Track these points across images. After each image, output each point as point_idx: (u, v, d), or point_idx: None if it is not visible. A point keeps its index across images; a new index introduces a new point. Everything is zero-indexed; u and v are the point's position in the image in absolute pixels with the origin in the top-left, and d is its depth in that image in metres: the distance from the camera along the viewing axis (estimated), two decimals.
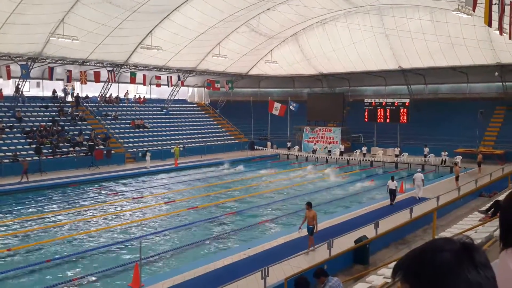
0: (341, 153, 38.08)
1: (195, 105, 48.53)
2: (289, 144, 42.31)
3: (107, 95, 40.10)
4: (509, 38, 19.19)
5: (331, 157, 37.68)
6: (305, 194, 23.66)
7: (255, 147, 41.24)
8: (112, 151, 33.14)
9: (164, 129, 40.66)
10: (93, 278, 11.80)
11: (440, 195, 18.53)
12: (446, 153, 32.73)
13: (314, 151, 40.57)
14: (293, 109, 44.95)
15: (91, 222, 17.79)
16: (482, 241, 8.89)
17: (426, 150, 34.60)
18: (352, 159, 36.37)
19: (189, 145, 39.43)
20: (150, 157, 32.12)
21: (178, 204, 21.10)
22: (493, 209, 11.84)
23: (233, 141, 43.98)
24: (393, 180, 20.10)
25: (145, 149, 35.02)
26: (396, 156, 35.41)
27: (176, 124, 42.62)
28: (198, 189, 25.52)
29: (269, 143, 44.77)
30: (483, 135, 36.40)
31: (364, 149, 37.50)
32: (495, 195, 18.59)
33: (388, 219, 15.27)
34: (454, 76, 41.62)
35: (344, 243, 12.86)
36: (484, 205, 16.95)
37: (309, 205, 13.46)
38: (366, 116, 40.35)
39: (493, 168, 27.65)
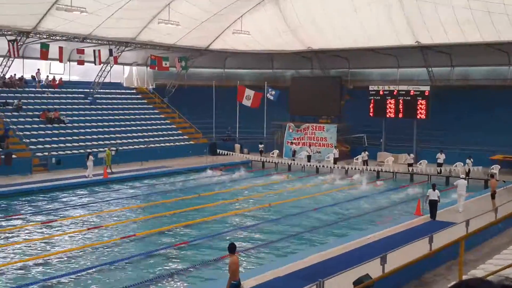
0: (335, 160, 38.29)
1: (134, 90, 48.16)
2: (261, 147, 42.29)
3: (7, 76, 39.19)
4: None
5: (322, 166, 37.82)
6: (284, 216, 23.74)
7: (218, 151, 41.05)
8: (14, 155, 32.48)
9: (88, 124, 40.18)
10: None
11: (469, 218, 18.75)
12: (472, 160, 33.35)
13: (294, 153, 40.61)
14: (272, 98, 44.95)
15: None
16: None
17: (442, 156, 35.11)
18: (351, 168, 36.59)
19: (124, 147, 38.99)
20: (93, 162, 32.12)
21: (106, 231, 20.98)
22: None
23: (187, 143, 43.80)
24: (434, 189, 21.93)
25: (88, 150, 35.00)
26: (410, 165, 35.82)
27: (106, 117, 42.17)
28: (136, 210, 25.37)
29: (237, 146, 44.64)
30: None
31: (365, 154, 37.74)
32: None
33: (400, 251, 15.31)
34: (491, 55, 42.47)
35: (341, 285, 12.78)
36: None
37: (231, 249, 12.21)
38: (372, 110, 40.75)
39: None
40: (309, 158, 39.64)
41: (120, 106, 44.58)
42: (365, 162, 37.56)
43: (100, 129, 40.34)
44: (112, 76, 45.78)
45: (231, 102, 45.83)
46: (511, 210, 20.98)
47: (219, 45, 47.41)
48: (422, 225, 21.20)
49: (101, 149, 36.41)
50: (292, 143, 42.52)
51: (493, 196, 24.46)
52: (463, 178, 24.80)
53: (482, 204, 24.69)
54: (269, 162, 39.58)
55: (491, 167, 33.07)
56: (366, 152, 37.95)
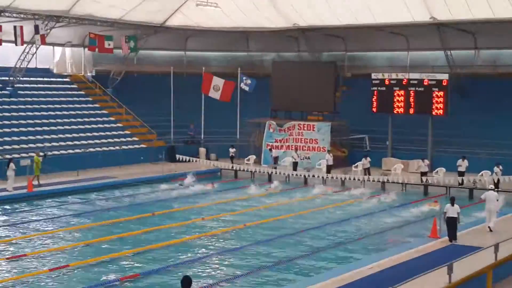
0: (329, 168, 38.39)
1: (67, 79, 47.75)
2: (232, 151, 42.21)
3: None
4: None
5: (312, 175, 37.84)
6: (262, 241, 23.73)
7: (178, 156, 40.87)
8: None
9: (7, 122, 39.84)
10: None
11: (499, 242, 18.86)
12: (501, 167, 33.71)
13: (275, 160, 40.80)
14: (247, 89, 44.92)
15: None
16: None
17: (464, 163, 35.41)
18: (349, 178, 36.67)
19: (55, 152, 38.64)
20: (15, 172, 31.81)
21: (31, 262, 20.63)
22: None
23: (137, 146, 43.64)
24: (453, 204, 22.19)
25: (6, 156, 34.55)
26: (424, 174, 36.01)
27: (30, 113, 41.80)
28: (70, 233, 25.04)
29: (202, 150, 44.49)
30: None
31: (366, 161, 37.87)
32: None
33: (410, 285, 15.37)
34: None
35: None
36: None
37: (185, 284, 11.39)
38: (375, 104, 40.95)
39: None
40: (295, 165, 39.64)
41: (49, 99, 44.11)
42: (366, 171, 37.70)
43: (23, 129, 39.89)
44: (39, 60, 45.40)
45: (194, 94, 45.63)
46: None
47: (178, 21, 47.18)
48: (438, 250, 21.26)
49: (24, 155, 35.93)
50: (273, 146, 42.49)
51: None
52: (492, 190, 25.12)
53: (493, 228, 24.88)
54: (243, 170, 39.49)
55: None
56: (368, 158, 38.16)
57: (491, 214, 23.95)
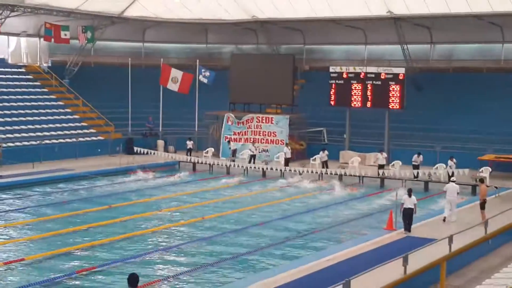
0: (287, 161, 38.48)
1: (23, 69, 47.09)
2: (189, 144, 42.01)
3: None
4: None
5: (270, 168, 37.89)
6: (220, 234, 23.76)
7: (136, 149, 40.59)
8: None
9: None
10: None
11: (453, 234, 19.15)
12: (455, 161, 34.20)
13: (233, 153, 40.85)
14: (206, 81, 44.77)
15: None
16: None
17: (419, 159, 35.84)
18: (307, 171, 36.84)
19: (10, 144, 38.15)
20: None
21: None
22: None
23: (94, 138, 43.21)
24: (410, 195, 22.56)
25: None
26: (381, 167, 36.33)
27: None
28: (26, 226, 24.77)
29: (160, 142, 44.27)
30: None
31: (324, 154, 38.04)
32: None
33: (367, 276, 15.47)
34: (480, 30, 43.67)
35: None
36: None
37: (132, 282, 11.22)
38: (333, 97, 41.14)
39: None
40: (252, 158, 39.65)
41: (3, 90, 43.39)
42: (324, 164, 37.90)
43: None
44: None
45: (152, 85, 45.33)
46: (504, 223, 21.62)
47: (136, 12, 46.76)
48: (394, 242, 21.50)
49: None
50: (231, 139, 42.41)
51: (482, 205, 25.01)
52: (453, 182, 25.76)
53: (469, 216, 25.23)
54: (202, 163, 39.42)
55: (480, 170, 33.96)
56: (326, 152, 38.31)
57: (451, 205, 24.53)
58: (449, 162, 34.08)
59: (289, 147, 39.60)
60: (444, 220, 24.32)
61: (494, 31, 43.78)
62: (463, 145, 38.17)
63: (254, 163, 38.98)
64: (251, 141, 41.53)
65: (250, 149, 40.25)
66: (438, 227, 23.47)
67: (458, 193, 24.98)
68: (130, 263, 19.76)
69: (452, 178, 27.78)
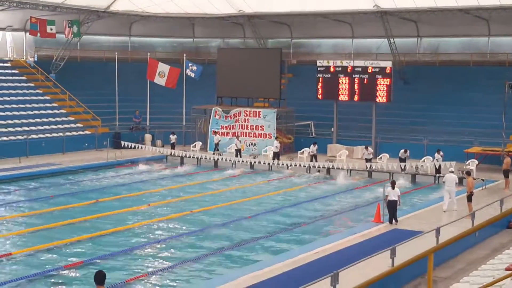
0: (276, 155, 38.40)
1: (8, 64, 46.80)
2: (173, 138, 41.81)
3: None
4: None
5: (258, 162, 37.82)
6: (209, 227, 23.81)
7: (123, 143, 40.47)
8: None
9: None
10: None
11: (440, 226, 19.23)
12: (442, 154, 34.30)
13: (216, 146, 40.86)
14: (193, 75, 44.68)
15: None
16: None
17: (406, 154, 35.90)
18: (295, 165, 36.82)
19: None
20: None
21: None
22: None
23: (81, 133, 43.11)
24: (394, 188, 23.19)
25: None
26: (368, 160, 36.35)
27: None
28: (12, 221, 24.65)
29: (148, 137, 44.17)
30: None
31: (314, 148, 37.96)
32: None
33: (355, 268, 15.51)
34: (466, 24, 43.90)
35: None
36: None
37: (98, 280, 11.19)
38: (320, 91, 41.17)
39: None
40: (238, 152, 39.52)
41: None
42: (313, 157, 37.80)
43: None
44: None
45: (139, 80, 45.24)
46: (490, 215, 21.68)
47: (123, 6, 46.67)
48: (382, 235, 21.64)
49: None
50: (219, 133, 42.34)
51: (469, 198, 25.19)
52: (451, 172, 26.65)
53: (451, 211, 25.29)
54: (189, 157, 39.34)
55: (467, 163, 34.13)
56: (316, 145, 38.26)
57: (450, 194, 25.32)
58: (436, 155, 34.19)
59: (277, 142, 39.60)
60: (444, 211, 25.02)
61: (480, 25, 44.06)
62: (450, 138, 38.29)
63: (240, 156, 38.94)
64: (238, 135, 41.39)
65: (235, 144, 40.20)
66: (425, 219, 23.62)
67: (456, 183, 25.90)
68: (117, 257, 19.79)
69: (450, 169, 28.13)
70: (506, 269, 13.09)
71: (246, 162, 38.18)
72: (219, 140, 41.49)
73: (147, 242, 21.68)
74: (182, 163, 39.45)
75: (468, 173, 26.70)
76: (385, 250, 17.00)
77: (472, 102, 41.10)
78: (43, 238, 21.88)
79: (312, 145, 38.26)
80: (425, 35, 47.01)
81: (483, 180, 31.44)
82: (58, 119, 43.40)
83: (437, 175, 33.63)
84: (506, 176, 30.78)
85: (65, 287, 17.25)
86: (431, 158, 34.94)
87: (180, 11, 47.52)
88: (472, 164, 33.82)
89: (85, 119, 44.60)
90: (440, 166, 33.70)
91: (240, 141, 40.54)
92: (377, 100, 39.73)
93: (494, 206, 23.32)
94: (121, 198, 29.05)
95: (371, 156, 36.80)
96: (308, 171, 36.41)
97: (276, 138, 40.44)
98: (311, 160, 37.59)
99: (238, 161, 38.23)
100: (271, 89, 43.14)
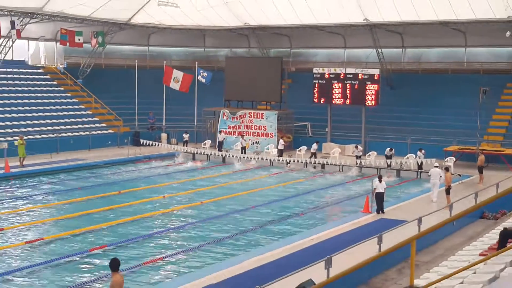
0: (280, 152, 38.37)
1: (41, 70, 46.88)
2: (186, 136, 41.98)
3: None
4: None
5: (260, 158, 37.82)
6: (217, 216, 23.85)
7: (142, 141, 40.54)
8: None
9: None
10: None
11: (422, 216, 19.30)
12: (423, 151, 34.34)
13: (220, 145, 40.82)
14: (204, 81, 44.74)
15: None
16: (484, 285, 9.28)
17: (392, 152, 35.86)
18: (293, 161, 36.84)
19: (30, 136, 37.85)
20: None
21: (7, 235, 20.44)
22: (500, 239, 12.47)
23: (105, 132, 43.15)
24: (381, 181, 23.48)
25: None
26: (358, 157, 36.38)
27: (7, 101, 40.98)
28: (44, 210, 24.81)
29: (164, 135, 44.25)
30: (487, 126, 38.83)
31: (316, 146, 37.82)
32: (503, 217, 19.71)
33: (346, 253, 15.59)
34: (446, 36, 43.91)
35: None
36: (488, 230, 17.94)
37: (113, 266, 11.09)
38: (316, 95, 41.24)
39: (500, 176, 29.33)
40: (243, 150, 39.61)
41: (24, 88, 43.26)
42: (313, 155, 37.61)
43: (1, 115, 39.15)
44: (15, 52, 44.53)
45: (156, 85, 45.35)
46: (466, 207, 21.74)
47: (142, 19, 46.79)
48: (370, 224, 21.76)
49: (2, 139, 35.43)
50: (226, 132, 42.33)
51: (447, 191, 25.29)
52: (436, 167, 26.83)
53: (436, 200, 25.57)
54: (200, 154, 39.41)
55: (446, 160, 34.18)
56: (317, 144, 38.25)
57: (434, 187, 25.80)
58: (418, 153, 34.27)
59: (284, 141, 39.71)
60: (432, 201, 25.70)
61: (458, 37, 44.09)
62: (430, 138, 38.32)
63: (245, 153, 39.01)
64: (243, 135, 41.37)
65: (241, 142, 40.26)
66: (408, 210, 23.69)
67: (441, 176, 25.99)
68: (137, 243, 19.91)
69: (435, 164, 28.25)
70: (480, 255, 13.17)
71: (250, 158, 38.27)
72: (224, 139, 41.52)
73: (163, 229, 21.75)
74: (194, 158, 39.51)
75: (447, 169, 26.75)
76: (373, 237, 17.07)
77: (451, 106, 41.08)
78: (71, 225, 22.00)
79: (314, 143, 38.15)
80: (409, 45, 46.99)
81: (460, 175, 31.47)
82: (84, 119, 43.50)
83: (419, 170, 33.71)
84: (481, 172, 30.82)
85: (90, 268, 17.33)
86: (414, 155, 34.98)
87: (192, 23, 47.65)
88: (450, 161, 33.85)
89: (108, 120, 44.67)
90: (422, 162, 33.76)
91: (245, 140, 40.60)
92: (367, 103, 39.75)
93: (470, 198, 23.35)
94: (140, 190, 29.11)
95: (360, 153, 36.86)
96: (305, 167, 36.50)
97: (282, 137, 40.53)
98: (310, 157, 37.37)
99: (243, 157, 38.33)
100: (273, 93, 43.15)
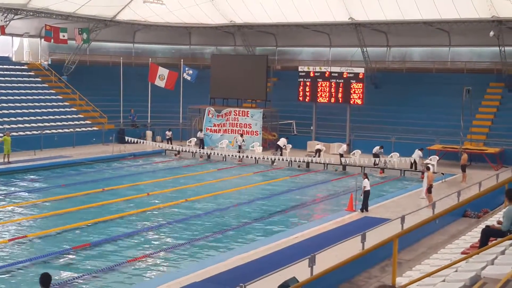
0: (280, 150, 38.38)
1: (25, 66, 46.55)
2: (169, 134, 41.89)
3: None
4: None
5: (245, 156, 37.87)
6: (201, 214, 23.76)
7: (127, 138, 40.37)
8: None
9: None
10: None
11: (405, 215, 19.39)
12: (423, 151, 34.43)
13: (201, 142, 40.76)
14: (189, 78, 44.65)
15: None
16: (466, 284, 9.34)
17: (381, 151, 35.92)
18: (278, 159, 36.89)
19: (13, 133, 37.51)
20: None
21: None
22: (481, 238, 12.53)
23: (89, 129, 42.96)
24: (368, 178, 23.67)
25: None
26: (342, 155, 36.37)
27: None
28: (28, 207, 24.57)
29: (149, 133, 44.13)
30: (470, 125, 38.96)
31: (344, 148, 37.30)
32: (485, 215, 19.82)
33: (330, 251, 15.63)
34: (430, 35, 44.16)
35: None
36: (470, 228, 18.03)
37: (44, 282, 9.93)
38: (301, 93, 41.29)
39: (483, 175, 29.59)
40: (240, 148, 39.67)
41: (8, 85, 42.80)
42: (341, 156, 37.13)
43: None
44: None
45: (141, 82, 45.21)
46: (448, 205, 21.86)
47: (127, 16, 46.57)
48: (354, 222, 21.81)
49: None
50: (211, 130, 42.30)
51: (429, 190, 25.37)
52: (418, 149, 27.62)
53: (417, 199, 25.75)
54: (185, 151, 39.35)
55: (429, 158, 34.35)
56: (285, 142, 38.56)
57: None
58: (418, 152, 34.12)
59: (285, 139, 39.72)
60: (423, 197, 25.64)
61: (442, 36, 44.35)
62: (414, 136, 38.50)
63: (242, 152, 39.01)
64: (242, 134, 41.10)
65: (236, 140, 40.36)
66: (392, 208, 23.83)
67: (421, 156, 26.90)
68: (121, 240, 19.83)
69: (429, 164, 28.40)
70: (462, 253, 13.24)
71: (236, 156, 38.27)
72: (205, 135, 41.61)
73: (147, 227, 21.66)
74: (178, 156, 39.46)
75: (428, 167, 26.79)
76: (357, 235, 17.12)
77: (435, 105, 41.31)
78: (55, 222, 21.86)
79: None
80: (394, 45, 47.21)
81: (443, 174, 31.69)
82: (69, 116, 43.21)
83: (417, 170, 33.50)
84: (464, 171, 31.04)
85: (73, 266, 17.22)
86: (398, 154, 35.15)
87: (178, 21, 47.55)
88: (433, 159, 34.03)
89: (93, 117, 44.44)
90: (415, 161, 33.80)
91: (244, 139, 40.48)
92: (351, 102, 39.83)
93: (452, 197, 23.51)
94: (124, 187, 29.00)
95: (343, 151, 36.86)
96: (290, 165, 36.50)
97: (274, 135, 40.75)
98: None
99: (228, 155, 38.30)
100: (258, 92, 43.13)
